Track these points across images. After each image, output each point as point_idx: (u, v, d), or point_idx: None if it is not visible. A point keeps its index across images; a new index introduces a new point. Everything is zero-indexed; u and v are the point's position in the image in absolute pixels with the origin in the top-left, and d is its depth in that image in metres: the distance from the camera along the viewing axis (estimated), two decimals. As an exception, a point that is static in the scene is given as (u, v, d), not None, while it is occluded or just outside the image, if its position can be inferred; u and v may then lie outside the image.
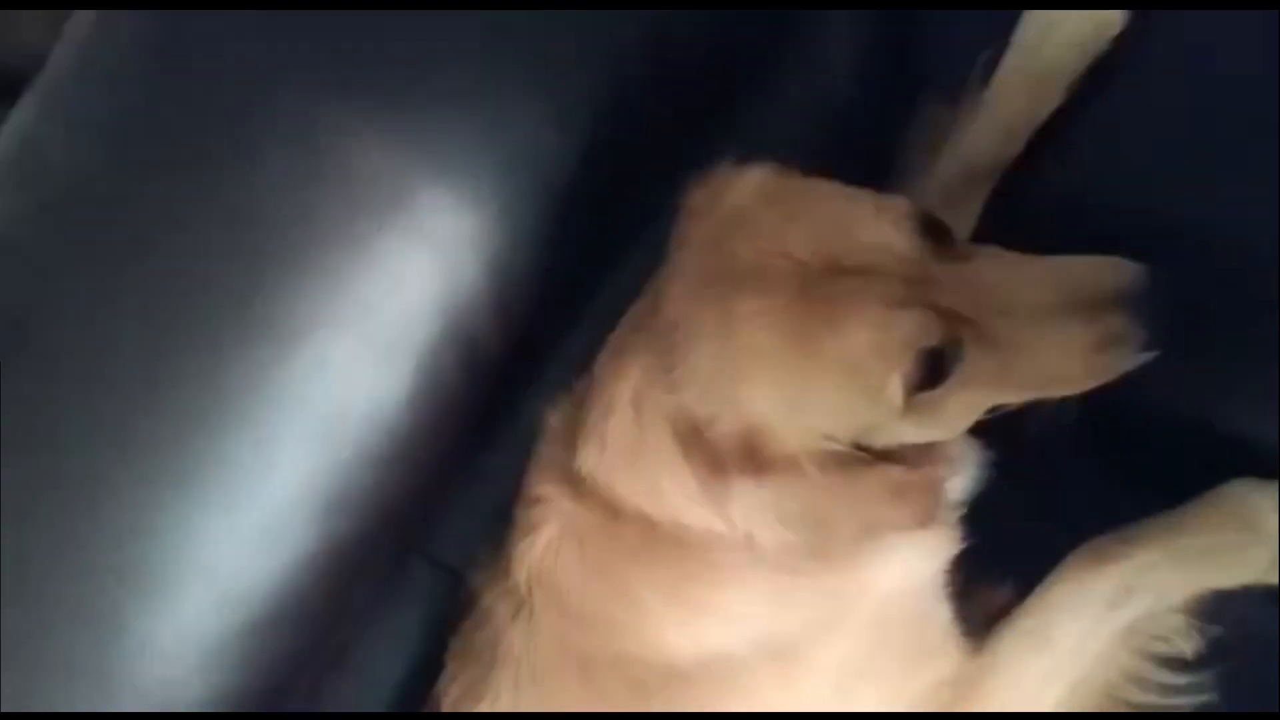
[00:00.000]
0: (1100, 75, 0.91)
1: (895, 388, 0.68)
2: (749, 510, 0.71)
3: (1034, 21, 0.89)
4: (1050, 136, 0.94)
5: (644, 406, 0.74)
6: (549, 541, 0.79)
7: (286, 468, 0.80)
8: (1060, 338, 0.69)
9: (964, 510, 0.86)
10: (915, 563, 0.81)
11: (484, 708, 0.80)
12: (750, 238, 0.72)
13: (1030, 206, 0.96)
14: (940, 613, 0.83)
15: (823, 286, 0.68)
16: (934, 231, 0.71)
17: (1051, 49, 0.89)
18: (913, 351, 0.68)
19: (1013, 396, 0.74)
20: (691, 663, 0.76)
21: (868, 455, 0.74)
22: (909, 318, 0.67)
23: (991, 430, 0.87)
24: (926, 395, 0.69)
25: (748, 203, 0.74)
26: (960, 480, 0.85)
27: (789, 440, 0.71)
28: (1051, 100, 0.90)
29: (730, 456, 0.71)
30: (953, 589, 0.86)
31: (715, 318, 0.71)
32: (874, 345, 0.67)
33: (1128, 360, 0.70)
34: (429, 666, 0.88)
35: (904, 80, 1.02)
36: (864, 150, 1.02)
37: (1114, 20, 0.86)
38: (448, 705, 0.84)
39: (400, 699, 0.91)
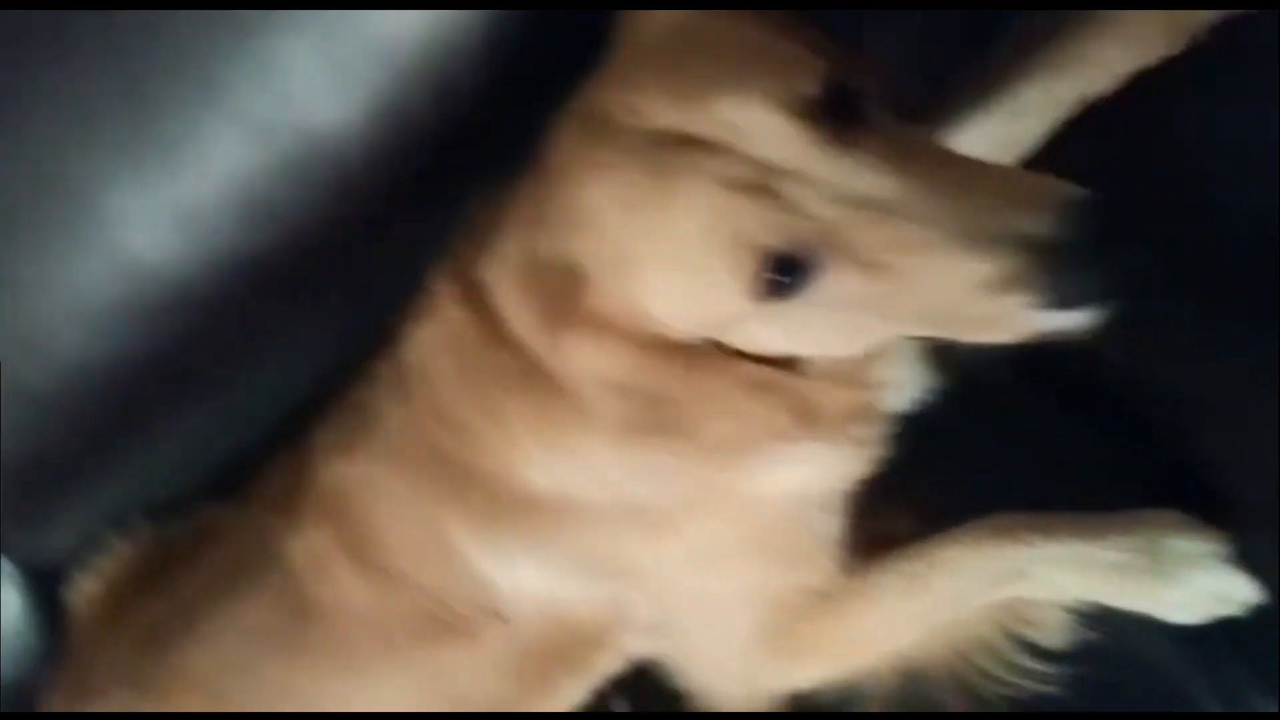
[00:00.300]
0: (1229, 34, 0.77)
1: (732, 288, 0.61)
2: (576, 366, 0.67)
3: None
4: (1154, 83, 0.81)
5: (525, 236, 0.68)
6: (432, 341, 0.76)
7: (213, 163, 0.77)
8: (944, 269, 0.58)
9: (888, 431, 0.81)
10: (807, 472, 0.77)
11: (343, 464, 0.80)
12: (623, 86, 0.63)
13: (1101, 153, 0.84)
14: (826, 524, 0.80)
15: (663, 156, 0.59)
16: (837, 108, 0.60)
17: None
18: (750, 250, 0.59)
19: (900, 328, 0.66)
20: (546, 495, 0.74)
21: (722, 350, 0.68)
22: (744, 209, 0.58)
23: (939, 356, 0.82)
24: (782, 305, 0.61)
25: (654, 41, 0.65)
26: (882, 400, 0.79)
27: (619, 310, 0.65)
28: (1173, 44, 0.77)
29: (561, 306, 0.66)
30: (857, 503, 0.83)
31: (572, 163, 0.64)
32: (699, 233, 0.59)
33: (1039, 314, 0.58)
34: (319, 402, 0.88)
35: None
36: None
37: None
38: (317, 449, 0.84)
39: (279, 421, 0.91)
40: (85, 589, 0.95)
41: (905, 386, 0.81)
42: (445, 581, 0.78)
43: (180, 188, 0.77)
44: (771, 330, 0.65)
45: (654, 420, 0.68)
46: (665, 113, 0.60)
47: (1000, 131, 0.80)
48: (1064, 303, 0.57)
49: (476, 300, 0.71)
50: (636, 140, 0.60)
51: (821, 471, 0.77)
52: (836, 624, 0.81)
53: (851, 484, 0.80)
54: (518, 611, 0.78)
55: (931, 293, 0.59)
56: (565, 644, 0.81)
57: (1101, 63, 0.77)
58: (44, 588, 0.99)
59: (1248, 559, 0.75)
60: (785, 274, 0.60)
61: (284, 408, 0.91)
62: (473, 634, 0.79)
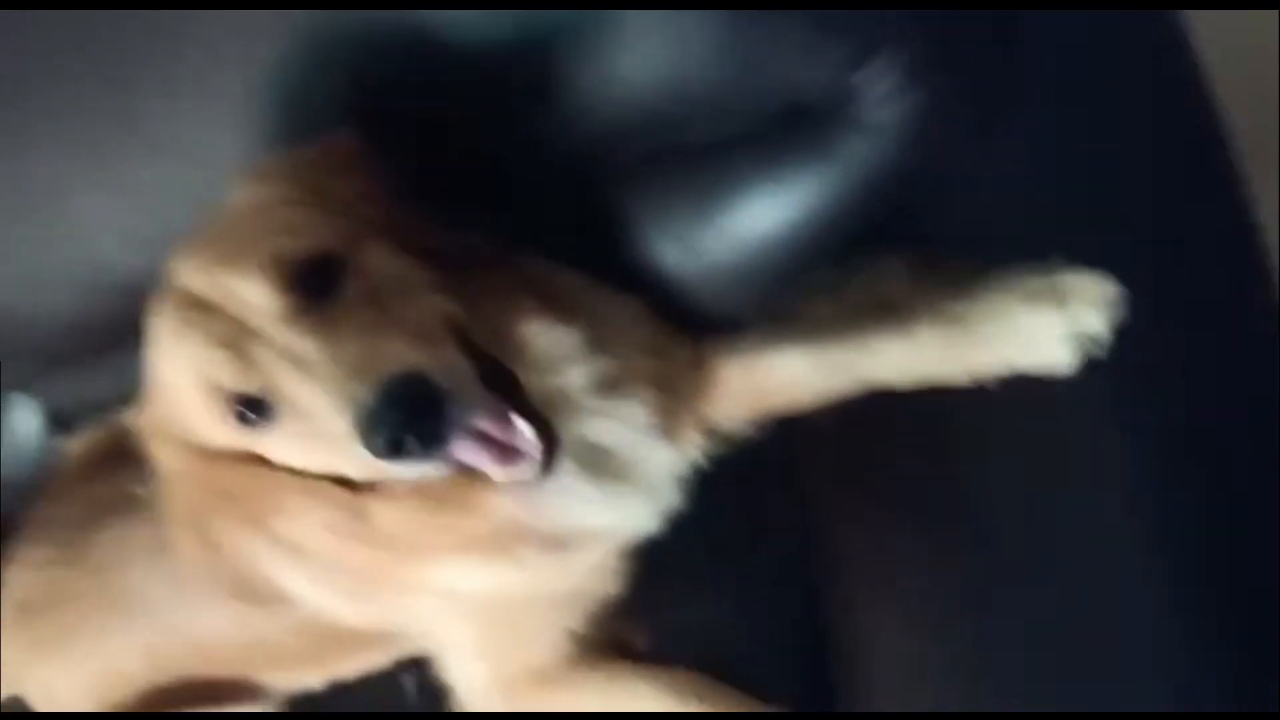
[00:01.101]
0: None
1: (216, 418, 0.77)
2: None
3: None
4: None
5: None
6: None
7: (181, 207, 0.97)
8: (329, 422, 0.71)
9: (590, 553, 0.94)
10: (474, 573, 0.91)
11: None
12: (181, 251, 0.79)
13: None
14: (549, 620, 0.97)
15: (180, 313, 0.77)
16: (315, 278, 0.74)
17: None
18: (220, 392, 0.76)
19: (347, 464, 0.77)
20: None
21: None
22: (218, 361, 0.75)
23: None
24: (260, 433, 0.77)
25: (218, 217, 0.82)
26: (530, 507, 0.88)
27: (169, 418, 0.82)
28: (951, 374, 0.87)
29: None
30: (606, 611, 0.99)
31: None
32: (189, 377, 0.77)
33: (380, 461, 0.71)
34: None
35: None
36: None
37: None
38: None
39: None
40: (74, 446, 1.21)
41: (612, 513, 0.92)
42: (248, 562, 0.94)
43: (155, 219, 0.99)
44: (277, 450, 0.79)
45: (210, 507, 0.85)
46: (191, 277, 0.77)
47: (804, 370, 0.92)
48: (376, 449, 0.70)
49: None
50: (174, 297, 0.78)
51: (492, 579, 0.92)
52: (546, 698, 0.99)
53: (576, 593, 0.96)
54: (299, 603, 0.97)
55: (334, 440, 0.73)
56: (347, 634, 1.01)
57: (893, 363, 0.88)
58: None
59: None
60: (255, 411, 0.76)
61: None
62: (271, 606, 0.98)
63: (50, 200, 0.99)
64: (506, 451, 0.74)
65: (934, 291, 0.87)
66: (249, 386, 0.75)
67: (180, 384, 0.79)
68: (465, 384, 0.73)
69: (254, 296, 0.74)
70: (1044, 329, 0.78)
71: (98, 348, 1.15)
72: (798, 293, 0.94)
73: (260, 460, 0.81)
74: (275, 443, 0.78)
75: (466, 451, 0.73)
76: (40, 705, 1.19)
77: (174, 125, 0.94)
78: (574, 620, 0.98)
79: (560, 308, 0.87)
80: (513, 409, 0.74)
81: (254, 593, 0.98)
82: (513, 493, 0.84)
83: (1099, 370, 0.80)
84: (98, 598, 1.07)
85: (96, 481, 1.15)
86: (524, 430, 0.74)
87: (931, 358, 0.85)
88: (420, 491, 0.82)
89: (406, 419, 0.69)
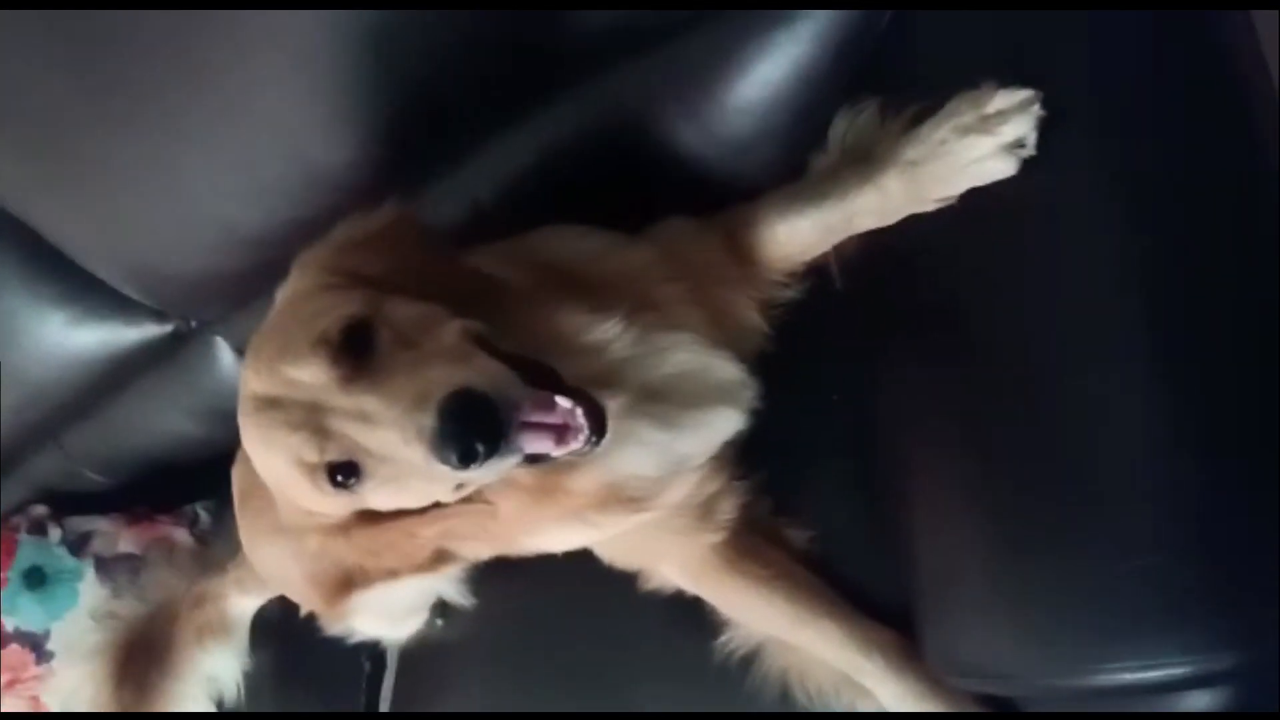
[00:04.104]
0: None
1: (318, 491, 0.86)
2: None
3: None
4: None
5: None
6: None
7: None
8: (407, 456, 0.80)
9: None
10: (572, 537, 1.06)
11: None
12: (253, 346, 0.89)
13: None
14: (681, 526, 1.08)
15: (258, 417, 0.86)
16: (354, 344, 0.83)
17: None
18: (313, 468, 0.84)
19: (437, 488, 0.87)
20: None
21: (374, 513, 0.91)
22: (301, 443, 0.83)
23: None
24: (360, 489, 0.85)
25: (283, 300, 0.92)
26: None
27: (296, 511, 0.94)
28: None
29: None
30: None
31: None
32: (284, 464, 0.86)
33: (457, 471, 0.78)
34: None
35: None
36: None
37: None
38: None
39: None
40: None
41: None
42: None
43: (255, 177, 1.17)
44: (379, 499, 0.89)
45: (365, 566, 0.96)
46: (257, 382, 0.87)
47: (809, 233, 1.02)
48: (451, 462, 0.78)
49: None
50: (248, 404, 0.88)
51: (587, 538, 1.07)
52: (717, 582, 1.11)
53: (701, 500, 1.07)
54: None
55: (411, 471, 0.83)
56: None
57: (874, 211, 0.97)
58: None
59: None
60: (347, 474, 0.84)
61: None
62: None
63: (169, 174, 1.15)
64: (560, 431, 0.83)
65: (895, 134, 0.94)
66: (336, 455, 0.84)
67: (283, 474, 0.88)
68: (507, 385, 0.81)
69: (311, 378, 0.84)
70: (980, 153, 0.87)
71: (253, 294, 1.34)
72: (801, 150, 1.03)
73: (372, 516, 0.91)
74: (376, 494, 0.87)
75: (527, 442, 0.81)
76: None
77: (247, 93, 1.07)
78: (712, 520, 1.09)
79: (584, 289, 0.96)
80: (554, 393, 0.82)
81: None
82: (592, 466, 0.94)
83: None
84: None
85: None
86: (566, 406, 0.82)
87: (901, 202, 0.94)
88: (514, 489, 0.94)
89: (467, 429, 0.78)
